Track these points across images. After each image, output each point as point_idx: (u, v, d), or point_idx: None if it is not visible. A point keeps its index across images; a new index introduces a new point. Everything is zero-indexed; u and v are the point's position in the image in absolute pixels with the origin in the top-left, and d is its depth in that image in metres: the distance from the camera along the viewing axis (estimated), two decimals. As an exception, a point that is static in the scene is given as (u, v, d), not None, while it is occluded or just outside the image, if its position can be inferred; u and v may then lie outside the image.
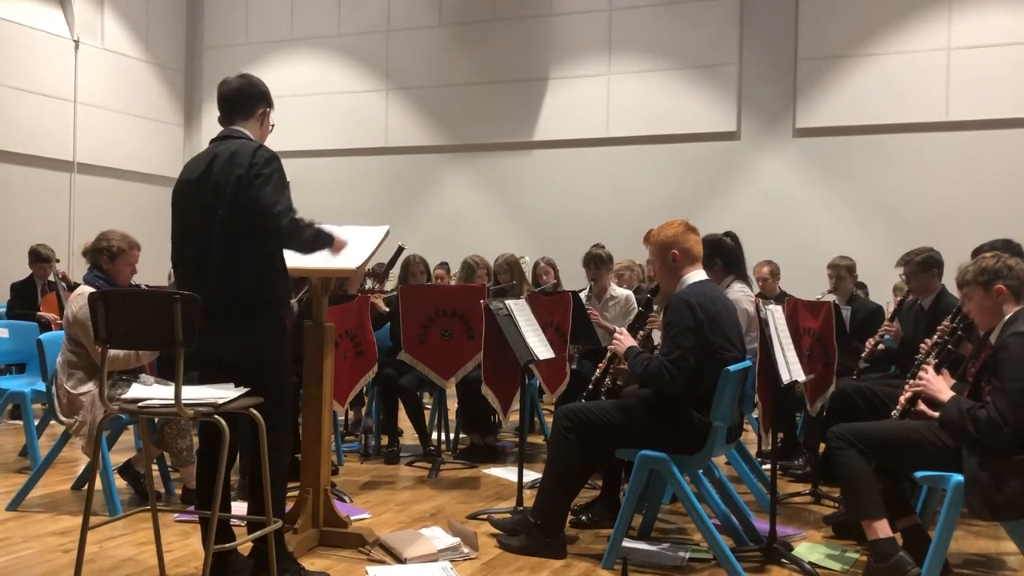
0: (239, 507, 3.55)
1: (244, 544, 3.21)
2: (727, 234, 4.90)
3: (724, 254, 4.76)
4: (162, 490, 4.76)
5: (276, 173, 3.17)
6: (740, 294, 4.66)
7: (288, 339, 3.36)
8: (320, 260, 3.62)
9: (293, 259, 3.50)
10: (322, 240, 3.30)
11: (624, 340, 3.91)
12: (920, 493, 3.95)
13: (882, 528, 3.33)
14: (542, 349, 4.45)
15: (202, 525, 3.33)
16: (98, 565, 3.55)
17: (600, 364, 4.26)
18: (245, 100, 3.39)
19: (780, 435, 5.52)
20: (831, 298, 5.65)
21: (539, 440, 6.50)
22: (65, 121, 11.24)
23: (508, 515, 4.19)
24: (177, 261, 3.34)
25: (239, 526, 3.53)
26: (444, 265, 8.37)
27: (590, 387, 4.23)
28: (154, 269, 7.44)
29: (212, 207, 3.18)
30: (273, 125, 3.53)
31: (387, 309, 5.93)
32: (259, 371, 3.19)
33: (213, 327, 3.06)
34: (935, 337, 4.18)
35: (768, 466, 4.13)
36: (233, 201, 3.14)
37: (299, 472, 3.87)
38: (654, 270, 4.04)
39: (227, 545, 3.10)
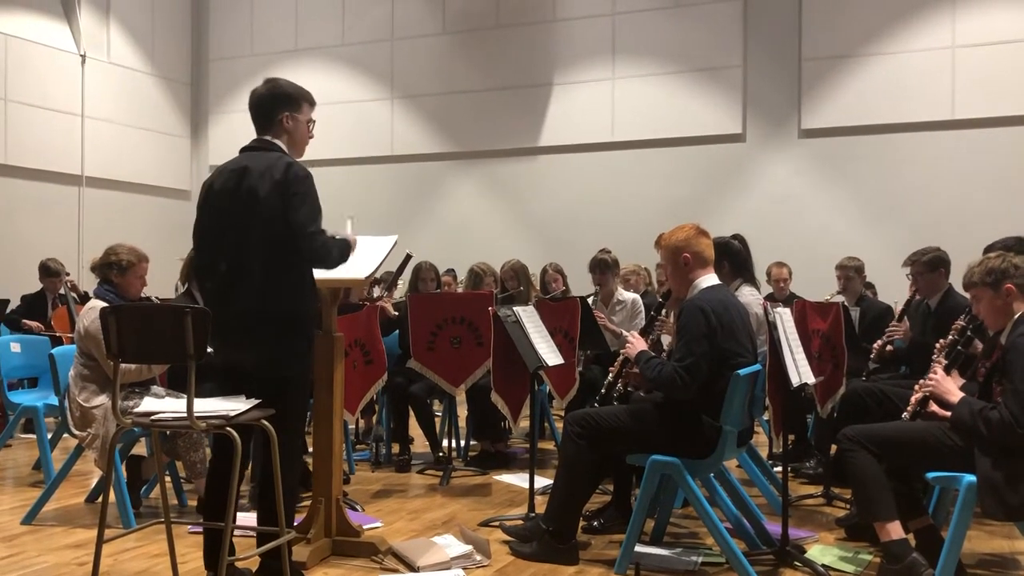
0: (247, 517, 3.55)
1: (253, 557, 3.22)
2: (735, 236, 4.89)
3: (732, 257, 4.76)
4: (175, 502, 4.78)
5: (311, 193, 3.17)
6: (750, 297, 4.66)
7: (311, 356, 3.37)
8: (330, 270, 3.63)
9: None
10: (345, 254, 3.35)
11: (636, 344, 3.91)
12: (933, 494, 3.94)
13: (895, 530, 3.32)
14: (551, 355, 4.45)
15: (205, 537, 3.34)
16: (113, 578, 3.57)
17: (612, 368, 4.26)
18: (267, 110, 3.34)
19: (791, 437, 5.52)
20: (840, 299, 5.64)
21: (550, 446, 6.50)
22: (73, 135, 11.31)
23: (520, 522, 4.20)
24: (205, 273, 3.32)
25: (238, 536, 3.52)
26: (451, 272, 8.38)
27: (602, 391, 4.23)
28: (163, 281, 7.49)
29: (245, 221, 3.17)
30: (313, 122, 3.44)
31: (396, 313, 5.94)
32: (282, 386, 3.21)
33: (243, 341, 3.07)
34: (950, 337, 4.16)
35: (780, 468, 4.12)
36: (268, 217, 3.13)
37: (309, 481, 3.88)
38: (665, 274, 4.04)
39: (245, 555, 3.10)
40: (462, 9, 11.63)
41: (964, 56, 9.43)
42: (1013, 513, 3.16)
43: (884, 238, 9.30)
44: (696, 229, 3.88)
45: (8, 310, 7.74)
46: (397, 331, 6.05)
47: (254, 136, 3.38)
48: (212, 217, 3.28)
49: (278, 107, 3.35)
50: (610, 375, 4.24)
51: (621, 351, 4.09)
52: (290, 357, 3.23)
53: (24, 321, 7.28)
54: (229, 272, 3.20)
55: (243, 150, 3.35)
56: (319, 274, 3.58)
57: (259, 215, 3.14)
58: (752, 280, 4.98)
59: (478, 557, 3.75)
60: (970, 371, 3.86)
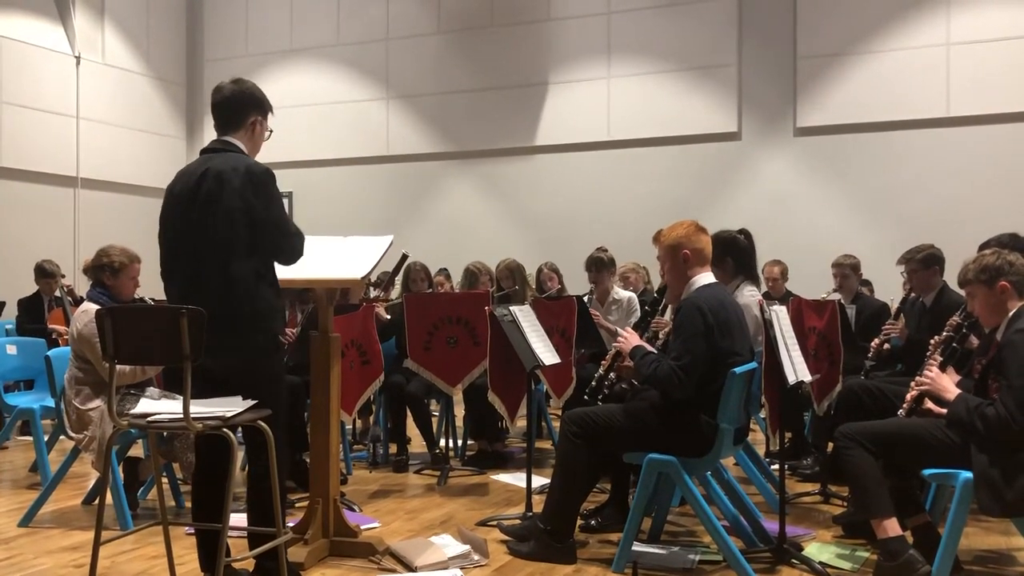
0: (240, 518, 3.54)
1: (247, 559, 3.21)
2: (741, 232, 4.79)
3: (737, 253, 4.68)
4: (172, 503, 4.78)
5: (277, 192, 3.22)
6: (751, 299, 4.57)
7: (281, 352, 3.36)
8: (326, 270, 3.63)
9: (299, 269, 3.51)
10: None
11: (630, 339, 3.89)
12: (929, 491, 3.94)
13: (891, 527, 3.33)
14: (548, 354, 4.45)
15: (198, 539, 3.33)
16: (110, 580, 3.56)
17: (604, 361, 4.24)
18: (236, 111, 3.34)
19: (788, 435, 5.52)
20: (836, 297, 5.64)
21: (547, 445, 6.51)
22: (68, 137, 11.29)
23: (517, 521, 4.20)
24: (168, 277, 3.32)
25: (232, 537, 3.50)
26: (443, 271, 8.37)
27: (593, 384, 4.20)
28: (157, 282, 7.45)
29: (204, 223, 3.16)
30: (271, 132, 3.47)
31: (388, 316, 5.92)
32: (253, 385, 3.16)
33: (208, 343, 3.07)
34: (945, 334, 4.16)
35: (776, 466, 4.13)
36: (226, 217, 3.13)
37: (306, 480, 3.87)
38: (663, 270, 4.02)
39: (242, 556, 3.10)
40: (457, 8, 11.62)
41: (959, 53, 9.44)
42: (1009, 509, 3.17)
43: (880, 235, 9.31)
44: (695, 226, 3.88)
45: (3, 312, 7.71)
46: (394, 337, 6.02)
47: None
48: (172, 220, 3.28)
49: (251, 109, 3.36)
50: (601, 368, 4.22)
51: (614, 344, 4.08)
52: (255, 357, 3.20)
53: (51, 326, 7.20)
54: (189, 275, 3.20)
55: (203, 151, 3.35)
56: (316, 275, 3.58)
57: (218, 216, 3.13)
58: (754, 278, 4.91)
59: (476, 557, 3.75)
60: (966, 368, 3.86)
